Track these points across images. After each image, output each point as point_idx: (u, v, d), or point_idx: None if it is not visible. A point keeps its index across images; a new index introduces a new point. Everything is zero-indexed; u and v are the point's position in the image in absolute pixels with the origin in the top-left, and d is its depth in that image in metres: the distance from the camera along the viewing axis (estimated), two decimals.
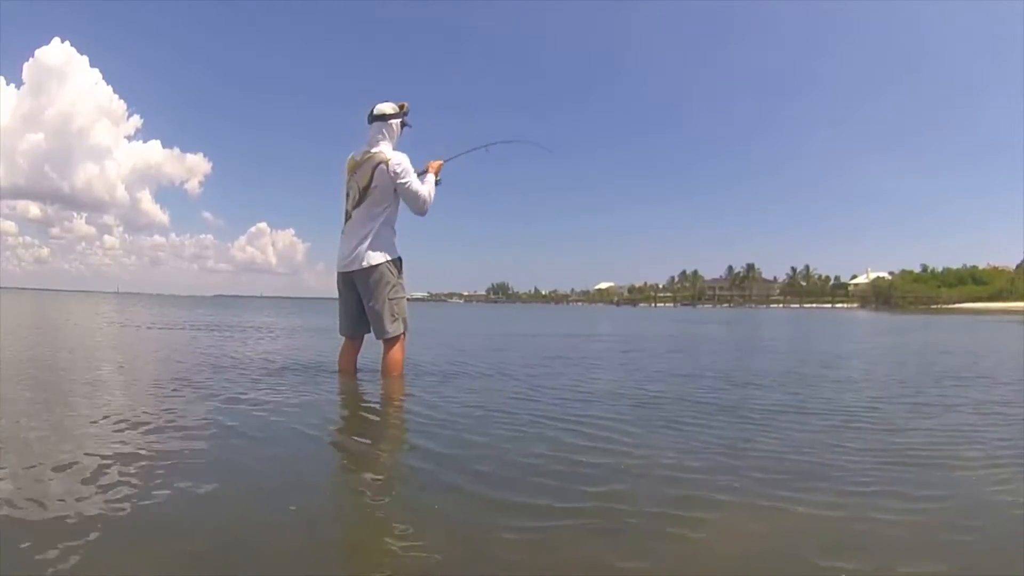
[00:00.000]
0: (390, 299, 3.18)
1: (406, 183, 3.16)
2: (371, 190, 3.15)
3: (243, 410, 2.46)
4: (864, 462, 1.80)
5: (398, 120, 3.27)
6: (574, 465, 1.73)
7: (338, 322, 3.43)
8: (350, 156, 3.31)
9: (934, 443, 2.07)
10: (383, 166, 3.14)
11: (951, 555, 1.17)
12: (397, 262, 3.23)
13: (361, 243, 3.15)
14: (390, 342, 3.24)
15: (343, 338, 3.47)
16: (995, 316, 26.87)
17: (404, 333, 3.28)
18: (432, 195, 3.30)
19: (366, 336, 3.42)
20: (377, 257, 3.15)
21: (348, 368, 3.43)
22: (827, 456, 1.86)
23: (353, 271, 3.19)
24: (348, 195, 3.25)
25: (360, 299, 3.25)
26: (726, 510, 1.39)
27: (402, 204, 3.28)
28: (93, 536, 1.17)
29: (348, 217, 3.25)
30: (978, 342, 8.60)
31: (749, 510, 1.39)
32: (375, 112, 3.25)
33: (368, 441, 2.10)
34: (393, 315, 3.19)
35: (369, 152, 3.21)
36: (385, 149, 3.19)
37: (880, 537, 1.25)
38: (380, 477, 1.70)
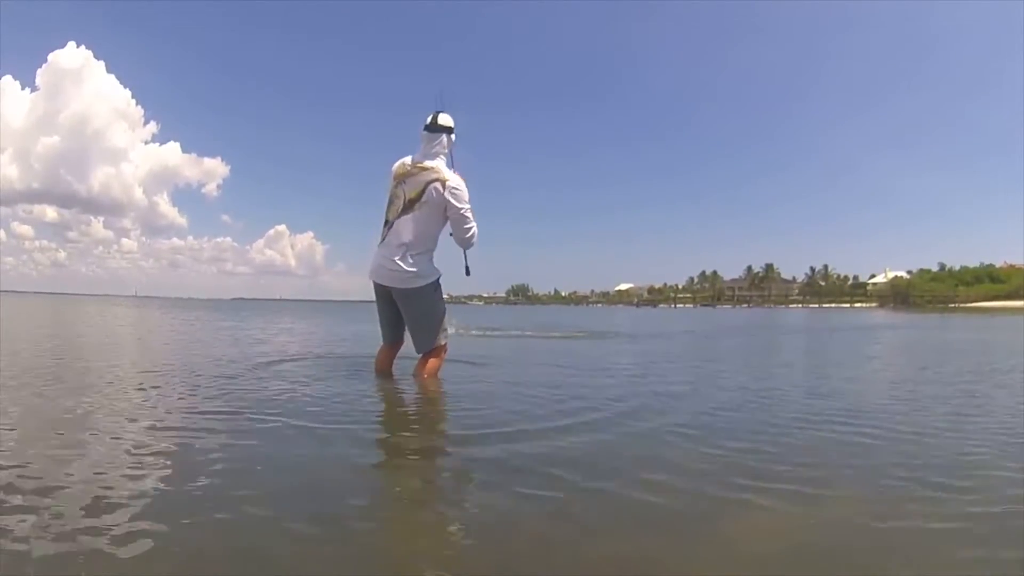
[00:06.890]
0: (433, 316, 3.21)
1: (463, 210, 3.09)
2: (420, 205, 3.06)
3: (279, 409, 2.47)
4: None
5: (454, 135, 3.20)
6: None
7: (380, 331, 3.41)
8: (400, 161, 3.19)
9: None
10: (438, 185, 3.05)
11: None
12: (439, 281, 3.21)
13: (404, 260, 3.07)
14: (431, 351, 3.25)
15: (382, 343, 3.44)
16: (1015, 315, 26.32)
17: (445, 344, 3.31)
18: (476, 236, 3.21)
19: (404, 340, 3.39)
20: (422, 279, 3.11)
21: (385, 370, 3.39)
22: None
23: (394, 288, 3.15)
24: (391, 202, 3.15)
25: (398, 310, 3.23)
26: None
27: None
28: (114, 527, 1.19)
29: (388, 224, 3.16)
30: None
31: None
32: (440, 122, 3.12)
33: (407, 440, 2.13)
34: (434, 330, 3.22)
35: (424, 165, 3.10)
36: (442, 166, 3.11)
37: None
38: (424, 476, 1.72)
